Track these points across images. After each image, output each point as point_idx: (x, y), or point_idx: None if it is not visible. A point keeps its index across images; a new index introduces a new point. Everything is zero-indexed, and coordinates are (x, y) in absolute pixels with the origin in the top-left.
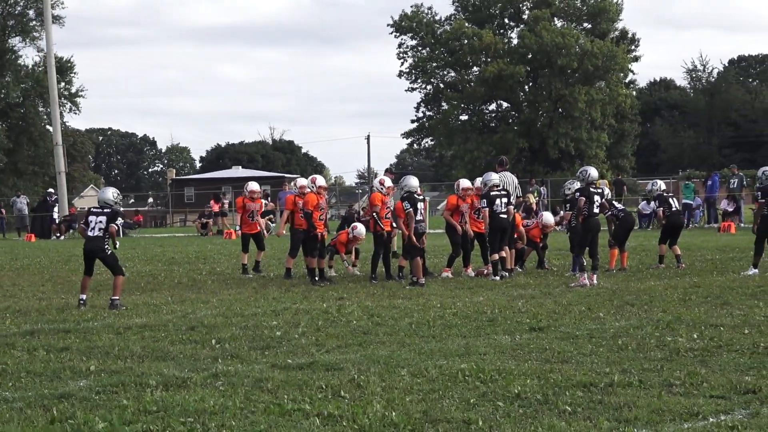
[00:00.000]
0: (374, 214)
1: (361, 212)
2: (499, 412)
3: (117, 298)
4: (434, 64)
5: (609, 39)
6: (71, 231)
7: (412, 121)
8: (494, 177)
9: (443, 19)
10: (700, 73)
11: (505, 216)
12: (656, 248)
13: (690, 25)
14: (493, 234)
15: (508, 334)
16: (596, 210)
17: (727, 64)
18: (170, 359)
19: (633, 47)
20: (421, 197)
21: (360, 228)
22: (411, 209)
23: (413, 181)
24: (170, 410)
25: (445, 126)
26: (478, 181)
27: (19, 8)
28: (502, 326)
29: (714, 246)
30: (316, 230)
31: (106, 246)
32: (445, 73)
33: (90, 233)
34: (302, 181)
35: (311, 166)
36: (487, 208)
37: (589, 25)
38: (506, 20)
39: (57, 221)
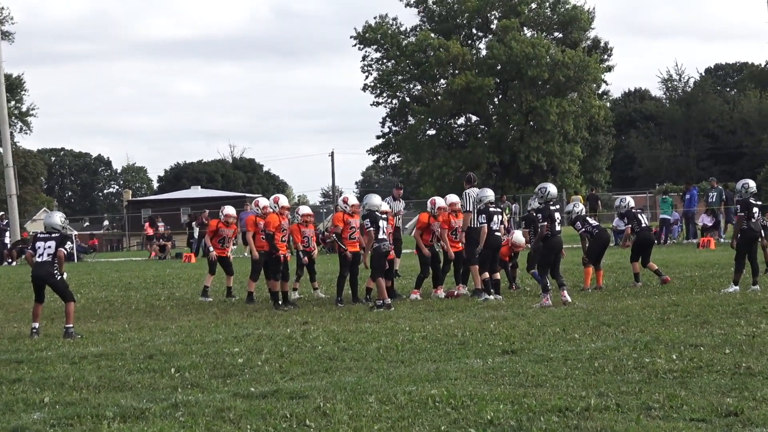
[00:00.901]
0: (334, 235)
1: (326, 232)
2: None
3: (71, 326)
4: (400, 77)
5: (581, 48)
6: (23, 256)
7: (378, 137)
8: (489, 193)
9: (408, 30)
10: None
11: (499, 234)
12: (630, 266)
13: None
14: (486, 252)
15: (480, 358)
16: (558, 228)
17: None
18: (128, 389)
19: (606, 57)
20: (384, 216)
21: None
22: (372, 228)
23: (375, 200)
24: None
25: (412, 141)
26: (449, 198)
27: None
28: (474, 349)
29: (693, 262)
30: (278, 252)
31: (56, 271)
32: (412, 86)
33: (38, 259)
34: (264, 201)
35: (273, 185)
36: (486, 224)
37: (560, 35)
38: (474, 30)
39: (8, 246)
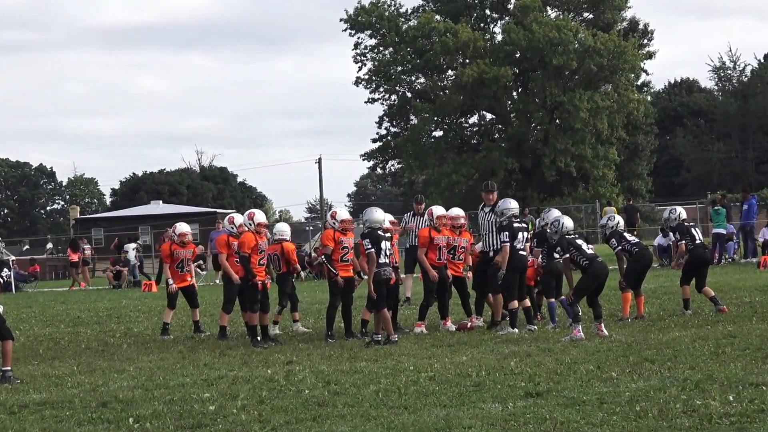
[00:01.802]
0: (323, 257)
1: (313, 254)
2: None
3: (8, 368)
4: (399, 69)
5: (615, 32)
6: None
7: (374, 140)
8: (513, 205)
9: (409, 12)
10: (729, 72)
11: (524, 253)
12: (679, 291)
13: (716, 13)
14: (511, 275)
15: (498, 402)
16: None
17: (762, 60)
18: None
19: (645, 41)
20: (388, 235)
21: None
22: (373, 249)
23: (377, 215)
24: None
25: (414, 144)
26: (452, 211)
27: None
28: (491, 392)
29: (752, 285)
30: (255, 278)
31: None
32: (414, 79)
33: None
34: (239, 218)
35: (249, 198)
36: (508, 243)
37: (591, 15)
38: (487, 11)
39: None
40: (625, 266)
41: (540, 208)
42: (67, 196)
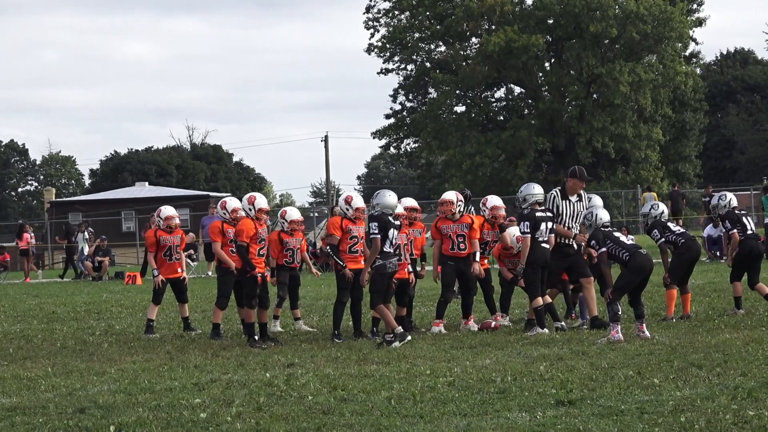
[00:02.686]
0: (329, 247)
1: (318, 243)
2: None
3: None
4: (417, 35)
5: None
6: None
7: (387, 116)
8: (537, 190)
9: None
10: None
11: (547, 246)
12: (730, 288)
13: None
14: (532, 270)
15: (526, 411)
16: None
17: None
18: None
19: (695, 6)
20: (398, 222)
21: None
22: (378, 236)
23: (389, 199)
24: None
25: (433, 121)
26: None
27: None
28: (518, 400)
29: None
30: (254, 270)
31: None
32: (433, 47)
33: None
34: (234, 203)
35: (247, 180)
36: (529, 234)
37: None
38: None
39: None
40: (669, 260)
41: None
42: (41, 177)
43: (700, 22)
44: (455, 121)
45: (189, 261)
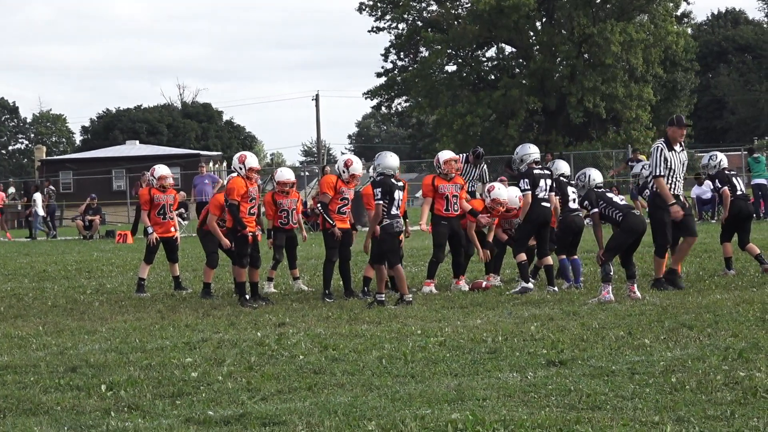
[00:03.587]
0: (319, 205)
1: (309, 202)
2: None
3: None
4: None
5: None
6: None
7: (379, 75)
8: (533, 150)
9: None
10: None
11: (548, 204)
12: (720, 249)
13: None
14: (529, 227)
15: (517, 371)
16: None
17: None
18: (43, 413)
19: None
20: (400, 183)
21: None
22: (381, 201)
23: (391, 160)
24: None
25: (425, 80)
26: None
27: None
28: (509, 360)
29: None
30: (245, 229)
31: None
32: (424, 5)
33: None
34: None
35: (237, 139)
36: (529, 191)
37: None
38: None
39: None
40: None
41: (564, 153)
42: (32, 135)
43: None
44: (446, 80)
45: (180, 220)
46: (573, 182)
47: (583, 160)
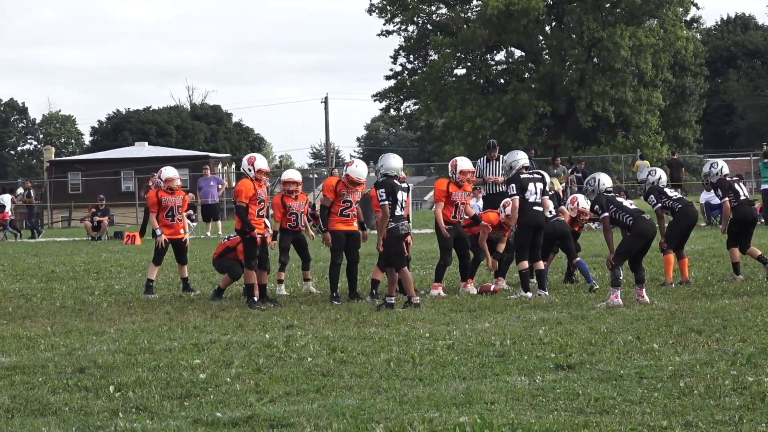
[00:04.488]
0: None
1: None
2: None
3: None
4: None
5: None
6: None
7: (388, 77)
8: (521, 156)
9: None
10: None
11: (539, 209)
12: (729, 254)
13: None
14: (522, 233)
15: (525, 375)
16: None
17: None
18: (51, 414)
19: None
20: (404, 185)
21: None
22: (387, 201)
23: (394, 162)
24: None
25: (433, 84)
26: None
27: None
28: (517, 363)
29: None
30: (252, 231)
31: None
32: (434, 8)
33: None
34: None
35: (246, 141)
36: (517, 197)
37: None
38: None
39: None
40: (666, 225)
41: (573, 157)
42: (41, 136)
43: None
44: (455, 83)
45: (188, 222)
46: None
47: (591, 165)
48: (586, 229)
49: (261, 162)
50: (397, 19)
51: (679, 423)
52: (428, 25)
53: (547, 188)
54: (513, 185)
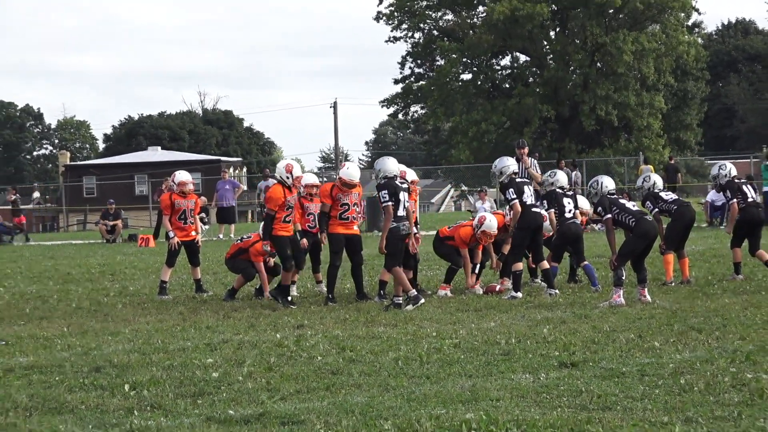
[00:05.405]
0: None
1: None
2: None
3: None
4: (424, 3)
5: None
6: None
7: (396, 82)
8: (510, 162)
9: None
10: None
11: (538, 210)
12: (730, 254)
13: None
14: (523, 234)
15: (529, 372)
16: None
17: None
18: (68, 412)
19: None
20: (405, 185)
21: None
22: (390, 202)
23: (390, 164)
24: None
25: (440, 89)
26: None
27: None
28: (522, 361)
29: None
30: (267, 241)
31: None
32: (440, 15)
33: None
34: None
35: (257, 145)
36: (516, 200)
37: None
38: None
39: None
40: (664, 228)
41: (577, 160)
42: (56, 141)
43: None
44: (461, 88)
45: (201, 224)
46: (569, 193)
47: (595, 167)
48: (589, 230)
49: (298, 170)
50: (405, 26)
51: (680, 419)
52: (435, 31)
53: (566, 187)
54: (511, 189)
